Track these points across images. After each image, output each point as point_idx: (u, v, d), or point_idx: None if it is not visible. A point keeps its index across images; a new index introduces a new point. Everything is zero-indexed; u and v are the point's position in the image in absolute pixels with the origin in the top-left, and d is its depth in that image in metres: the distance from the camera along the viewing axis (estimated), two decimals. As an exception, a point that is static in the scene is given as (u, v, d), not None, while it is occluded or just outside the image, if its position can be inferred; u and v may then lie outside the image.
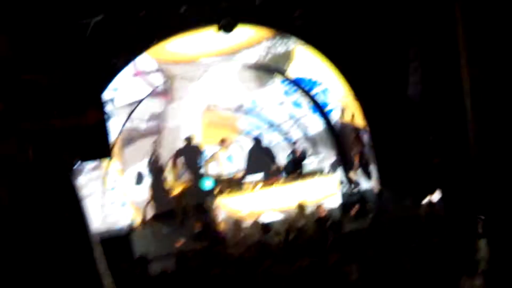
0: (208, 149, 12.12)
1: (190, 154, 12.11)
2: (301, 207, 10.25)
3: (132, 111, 11.35)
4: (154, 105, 11.85)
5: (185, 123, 12.22)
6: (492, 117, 9.68)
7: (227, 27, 9.72)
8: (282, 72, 12.23)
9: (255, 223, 9.91)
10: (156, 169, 11.85)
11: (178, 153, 11.98)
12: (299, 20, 10.66)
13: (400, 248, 6.99)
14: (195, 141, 12.21)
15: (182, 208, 11.26)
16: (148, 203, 11.69)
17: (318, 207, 9.73)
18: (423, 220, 8.70)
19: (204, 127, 12.39)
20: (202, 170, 11.85)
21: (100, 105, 6.87)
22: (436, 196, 9.24)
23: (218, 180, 11.24)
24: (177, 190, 11.28)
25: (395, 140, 11.96)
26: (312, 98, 12.47)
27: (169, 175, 11.45)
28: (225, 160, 11.51)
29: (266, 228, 9.43)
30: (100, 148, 5.84)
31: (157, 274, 7.42)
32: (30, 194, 3.19)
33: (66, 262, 3.06)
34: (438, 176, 10.71)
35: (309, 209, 10.24)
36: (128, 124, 11.41)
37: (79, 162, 3.96)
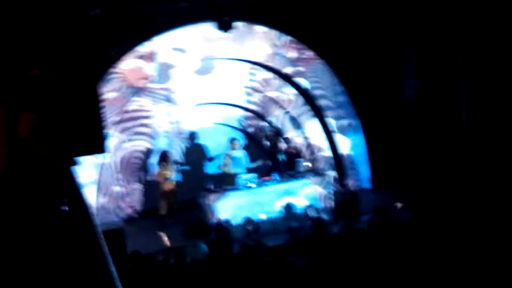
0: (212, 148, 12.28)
1: (193, 151, 12.21)
2: (289, 208, 10.25)
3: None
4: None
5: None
6: (488, 125, 9.74)
7: (225, 25, 9.71)
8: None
9: (246, 222, 9.91)
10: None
11: (185, 151, 12.08)
12: (296, 19, 10.68)
13: (391, 251, 7.01)
14: (198, 139, 12.34)
15: (169, 205, 11.14)
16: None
17: (308, 207, 9.72)
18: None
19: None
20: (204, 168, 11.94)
21: (96, 97, 6.81)
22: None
23: (212, 177, 11.27)
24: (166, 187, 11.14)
25: (389, 141, 12.03)
26: (308, 98, 12.46)
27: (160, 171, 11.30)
28: (230, 161, 11.43)
29: (256, 228, 9.45)
30: (96, 143, 5.79)
31: (149, 269, 7.39)
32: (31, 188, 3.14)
33: (74, 258, 3.02)
34: (428, 179, 10.77)
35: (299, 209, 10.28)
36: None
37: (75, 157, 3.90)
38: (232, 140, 11.64)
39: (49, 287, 2.47)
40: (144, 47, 10.57)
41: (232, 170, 11.29)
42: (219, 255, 7.60)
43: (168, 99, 11.71)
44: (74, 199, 3.27)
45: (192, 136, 12.34)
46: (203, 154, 12.35)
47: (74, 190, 3.32)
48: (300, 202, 10.84)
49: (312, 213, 9.39)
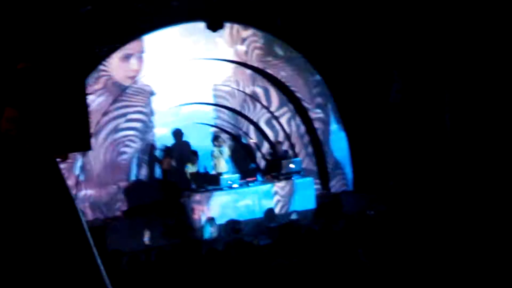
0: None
1: (179, 149, 11.98)
2: (270, 211, 10.33)
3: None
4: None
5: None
6: (471, 128, 9.84)
7: (214, 25, 9.69)
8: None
9: (228, 223, 9.91)
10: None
11: (167, 148, 11.89)
12: (287, 24, 10.71)
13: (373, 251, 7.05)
14: (182, 136, 12.13)
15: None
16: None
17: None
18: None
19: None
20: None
21: (83, 93, 6.77)
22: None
23: (195, 176, 11.18)
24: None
25: (372, 144, 12.10)
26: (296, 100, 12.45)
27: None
28: (224, 158, 11.26)
29: (236, 228, 9.46)
30: (81, 140, 5.76)
31: (129, 268, 7.37)
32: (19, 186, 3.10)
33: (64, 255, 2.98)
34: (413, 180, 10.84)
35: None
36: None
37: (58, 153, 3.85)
38: (216, 137, 11.47)
39: (38, 280, 2.45)
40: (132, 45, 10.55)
41: (223, 169, 11.18)
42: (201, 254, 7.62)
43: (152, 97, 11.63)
44: (59, 192, 3.23)
45: (177, 133, 12.11)
46: (187, 152, 12.16)
47: (59, 182, 3.28)
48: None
49: (293, 216, 9.43)
